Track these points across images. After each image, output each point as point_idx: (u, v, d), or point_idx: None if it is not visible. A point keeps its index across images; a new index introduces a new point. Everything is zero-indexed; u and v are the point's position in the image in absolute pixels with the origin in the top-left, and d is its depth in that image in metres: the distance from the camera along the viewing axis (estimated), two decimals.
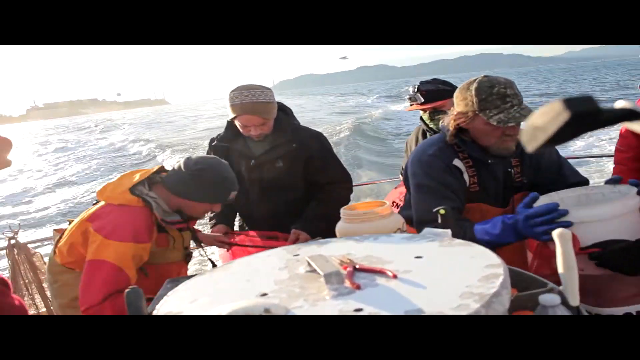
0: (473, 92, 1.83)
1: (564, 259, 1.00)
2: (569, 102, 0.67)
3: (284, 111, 2.66)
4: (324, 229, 1.79)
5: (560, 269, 1.01)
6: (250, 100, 2.40)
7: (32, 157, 31.27)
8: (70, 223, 2.16)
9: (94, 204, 2.13)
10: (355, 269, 1.04)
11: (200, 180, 2.03)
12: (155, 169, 2.14)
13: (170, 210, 2.05)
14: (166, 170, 2.18)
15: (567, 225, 1.47)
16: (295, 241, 2.39)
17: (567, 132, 0.68)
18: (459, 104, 1.91)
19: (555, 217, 1.51)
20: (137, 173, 2.10)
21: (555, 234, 1.01)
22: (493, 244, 1.67)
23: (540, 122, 0.71)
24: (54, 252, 2.11)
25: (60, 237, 2.13)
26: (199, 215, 2.16)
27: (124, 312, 1.73)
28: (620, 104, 0.70)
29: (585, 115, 0.67)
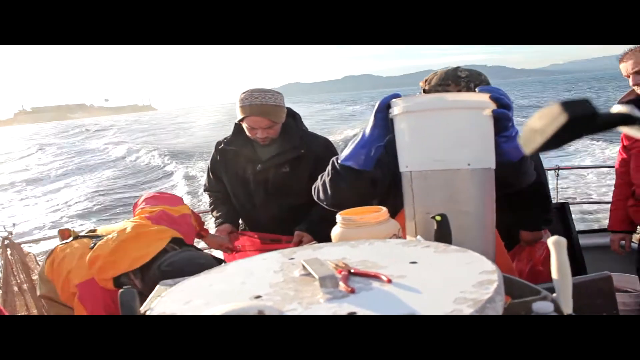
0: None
1: (558, 266, 1.00)
2: (567, 106, 0.68)
3: (293, 117, 2.67)
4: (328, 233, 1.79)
5: (554, 276, 1.01)
6: (259, 102, 2.41)
7: (26, 159, 31.25)
8: (71, 238, 2.17)
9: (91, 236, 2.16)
10: (350, 273, 1.04)
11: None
12: (159, 249, 2.02)
13: None
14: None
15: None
16: (299, 243, 2.38)
17: (564, 135, 0.69)
18: None
19: None
20: (138, 246, 2.00)
21: (550, 241, 1.01)
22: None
23: (537, 124, 0.72)
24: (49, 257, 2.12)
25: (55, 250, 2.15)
26: None
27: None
28: (617, 109, 0.71)
29: (582, 119, 0.68)
